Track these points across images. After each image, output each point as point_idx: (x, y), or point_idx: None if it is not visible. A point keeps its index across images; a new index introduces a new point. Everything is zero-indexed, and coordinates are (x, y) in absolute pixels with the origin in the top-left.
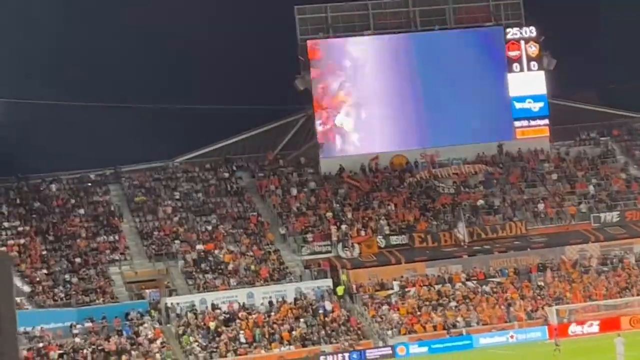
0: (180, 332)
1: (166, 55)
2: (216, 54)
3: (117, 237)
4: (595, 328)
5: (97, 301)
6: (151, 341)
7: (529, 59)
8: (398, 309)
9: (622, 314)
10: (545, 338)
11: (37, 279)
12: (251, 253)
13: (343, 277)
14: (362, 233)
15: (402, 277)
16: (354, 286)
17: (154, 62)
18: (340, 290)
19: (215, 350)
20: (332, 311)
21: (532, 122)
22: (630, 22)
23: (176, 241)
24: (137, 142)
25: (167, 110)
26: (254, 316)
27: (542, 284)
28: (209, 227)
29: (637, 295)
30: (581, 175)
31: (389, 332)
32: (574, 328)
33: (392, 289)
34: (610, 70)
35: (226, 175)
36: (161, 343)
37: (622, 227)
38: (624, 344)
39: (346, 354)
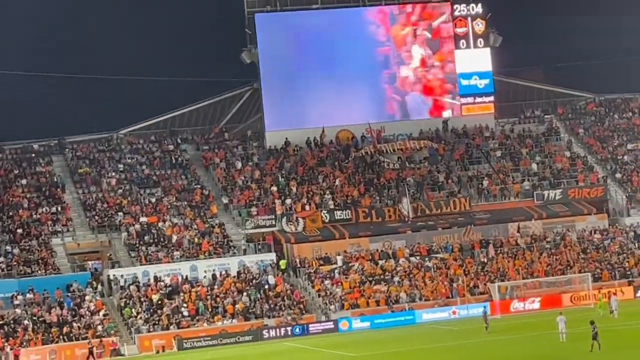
0: (123, 304)
1: (112, 26)
2: (163, 25)
3: (59, 209)
4: (536, 305)
5: (38, 272)
6: (93, 313)
7: (476, 35)
8: (341, 284)
9: (563, 291)
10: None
11: None
12: (195, 226)
13: (285, 251)
14: (307, 207)
15: (345, 252)
16: (298, 260)
17: (101, 33)
18: (282, 264)
19: (157, 322)
20: (276, 285)
21: (478, 99)
22: (575, 2)
23: (119, 213)
24: (82, 113)
25: (113, 81)
26: (197, 289)
27: (485, 260)
28: (153, 200)
29: (579, 272)
30: (525, 153)
31: (332, 307)
32: (515, 304)
33: (335, 263)
34: (555, 49)
35: (171, 147)
36: (103, 315)
37: (565, 205)
38: (565, 322)
39: (289, 328)
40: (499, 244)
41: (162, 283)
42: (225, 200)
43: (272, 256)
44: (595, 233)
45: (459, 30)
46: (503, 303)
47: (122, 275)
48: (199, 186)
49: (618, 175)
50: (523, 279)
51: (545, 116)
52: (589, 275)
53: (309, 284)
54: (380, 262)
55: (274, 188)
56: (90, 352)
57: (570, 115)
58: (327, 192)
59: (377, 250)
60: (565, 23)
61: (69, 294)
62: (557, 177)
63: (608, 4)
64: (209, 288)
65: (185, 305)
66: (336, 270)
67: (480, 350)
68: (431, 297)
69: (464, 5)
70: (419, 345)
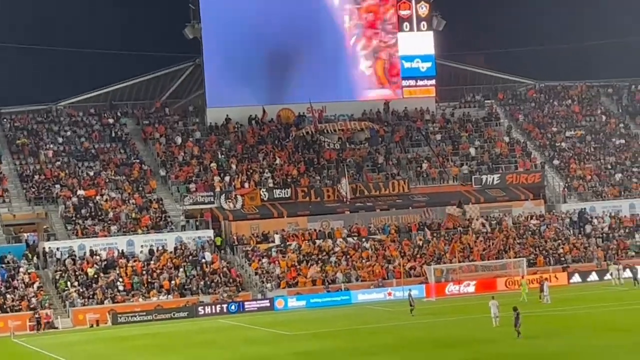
0: (58, 277)
1: None
2: None
3: None
4: (471, 288)
5: None
6: (27, 285)
7: (419, 19)
8: (278, 262)
9: (498, 276)
10: (422, 296)
11: None
12: (133, 200)
13: (223, 228)
14: (246, 185)
15: (283, 230)
16: (235, 238)
17: (42, 2)
18: (218, 240)
19: (92, 296)
20: (212, 262)
21: (420, 82)
22: None
23: (57, 186)
24: (21, 84)
25: (53, 52)
26: (133, 264)
27: (422, 242)
28: (91, 173)
29: (514, 257)
30: (465, 137)
31: (269, 285)
32: (451, 287)
33: (273, 242)
34: (497, 34)
35: (111, 121)
36: (37, 287)
37: (503, 190)
38: (497, 306)
39: (224, 305)
40: (436, 227)
41: (98, 257)
42: (164, 175)
43: (210, 233)
44: (531, 219)
45: (403, 12)
46: (438, 286)
47: (57, 248)
48: (138, 161)
49: (556, 162)
50: (459, 262)
51: (486, 101)
52: (524, 260)
53: (246, 262)
54: (318, 242)
55: (214, 165)
56: (38, 322)
57: (511, 101)
58: (267, 170)
59: (315, 229)
60: (508, 9)
61: (3, 265)
62: (496, 162)
63: None
64: (145, 263)
65: (120, 279)
66: (274, 249)
67: (412, 331)
68: (367, 278)
69: None
70: (354, 325)
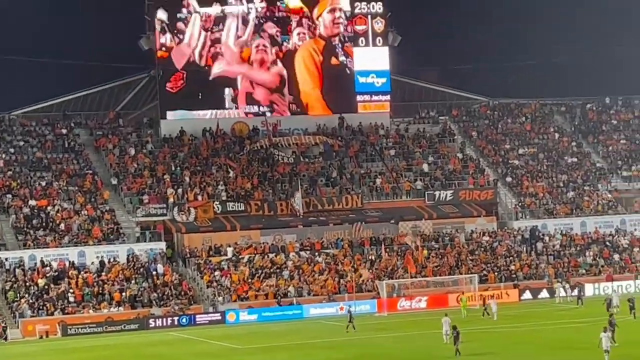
0: (7, 287)
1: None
2: (60, 8)
3: None
4: (423, 304)
5: None
6: None
7: (375, 34)
8: (230, 276)
9: (450, 291)
10: (374, 311)
11: None
12: (85, 211)
13: (175, 241)
14: (199, 198)
15: (236, 243)
16: (188, 251)
17: None
18: (169, 252)
19: (42, 307)
20: (164, 274)
21: (374, 97)
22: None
23: (8, 195)
24: None
25: (6, 61)
26: (84, 275)
27: (374, 257)
28: (43, 183)
29: (466, 273)
30: (419, 153)
31: (220, 298)
32: (402, 303)
33: (225, 255)
34: (452, 51)
35: (64, 131)
36: None
37: (455, 206)
38: (449, 323)
39: (176, 318)
40: (389, 242)
41: (48, 268)
42: (116, 186)
43: (162, 245)
44: (483, 235)
45: (359, 27)
46: (390, 301)
47: (7, 259)
48: (90, 171)
49: (508, 179)
50: (411, 277)
51: (440, 117)
52: (476, 277)
53: (198, 275)
54: (271, 256)
55: (167, 177)
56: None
57: (465, 118)
58: (221, 183)
59: (268, 243)
60: (464, 26)
61: None
62: (449, 178)
63: (506, 11)
64: (96, 274)
65: (71, 291)
66: (226, 262)
67: (363, 347)
68: (320, 292)
69: (365, 3)
70: (305, 340)
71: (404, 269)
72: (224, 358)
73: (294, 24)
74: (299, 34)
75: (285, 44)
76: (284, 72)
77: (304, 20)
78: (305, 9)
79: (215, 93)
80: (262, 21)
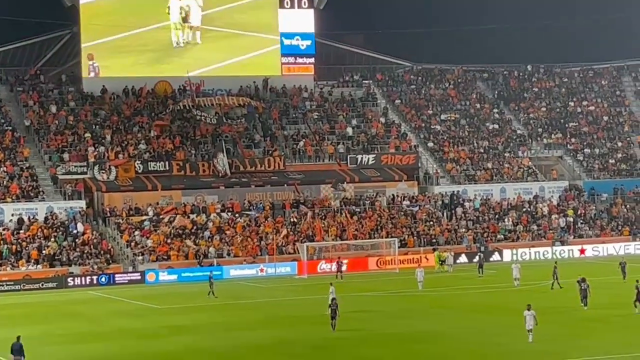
0: None
1: None
2: None
3: None
4: (343, 267)
5: None
6: None
7: None
8: (151, 236)
9: (370, 255)
10: (294, 273)
11: None
12: (4, 168)
13: (96, 199)
14: (120, 157)
15: (157, 203)
16: (108, 210)
17: None
18: (89, 211)
19: None
20: (84, 233)
21: (299, 60)
22: None
23: None
24: None
25: None
26: (2, 232)
27: (296, 220)
28: None
29: (386, 237)
30: (342, 116)
31: (140, 258)
32: (323, 265)
33: (146, 214)
34: (378, 15)
35: None
36: None
37: (377, 170)
38: (335, 293)
39: (94, 277)
40: (310, 205)
41: None
42: (37, 143)
43: (82, 204)
44: (404, 200)
45: None
46: (311, 263)
47: None
48: (10, 128)
49: (430, 145)
50: (332, 240)
51: (364, 81)
52: (396, 241)
53: (118, 234)
54: (192, 216)
55: (88, 135)
56: None
57: (389, 82)
58: (142, 142)
59: (189, 204)
60: None
61: None
62: (372, 143)
63: None
64: (14, 232)
65: None
66: (146, 222)
67: (280, 308)
68: (240, 254)
69: None
70: (225, 301)
71: (313, 234)
72: (142, 318)
73: None
74: None
75: None
76: None
77: None
78: None
79: None
80: None
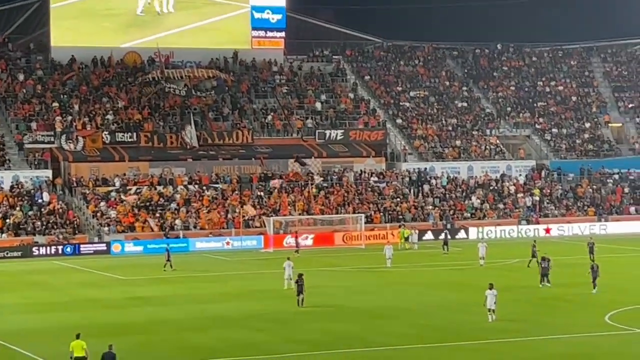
0: None
1: None
2: None
3: None
4: (310, 241)
5: None
6: None
7: None
8: (117, 206)
9: (337, 230)
10: (260, 247)
11: None
12: None
13: (62, 169)
14: (88, 127)
15: (124, 174)
16: (74, 180)
17: None
18: (58, 181)
19: None
20: (50, 203)
21: (269, 34)
22: None
23: None
24: None
25: None
26: None
27: (263, 194)
28: None
29: (353, 212)
30: (311, 91)
31: (106, 229)
32: (289, 240)
33: (113, 185)
34: None
35: None
36: None
37: (345, 146)
38: (292, 267)
39: (60, 247)
40: (277, 178)
41: None
42: (3, 112)
43: (49, 173)
44: (372, 176)
45: None
46: (277, 237)
47: None
48: None
49: (399, 121)
50: (299, 215)
51: (334, 57)
52: (362, 216)
53: (84, 204)
54: (159, 188)
55: (56, 104)
56: None
57: (359, 58)
58: (110, 113)
59: (156, 175)
60: None
61: None
62: (340, 118)
63: None
64: None
65: None
66: (113, 193)
67: (245, 280)
68: (206, 227)
69: None
70: (190, 273)
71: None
72: (107, 288)
73: None
74: None
75: None
76: None
77: None
78: None
79: None
80: None
